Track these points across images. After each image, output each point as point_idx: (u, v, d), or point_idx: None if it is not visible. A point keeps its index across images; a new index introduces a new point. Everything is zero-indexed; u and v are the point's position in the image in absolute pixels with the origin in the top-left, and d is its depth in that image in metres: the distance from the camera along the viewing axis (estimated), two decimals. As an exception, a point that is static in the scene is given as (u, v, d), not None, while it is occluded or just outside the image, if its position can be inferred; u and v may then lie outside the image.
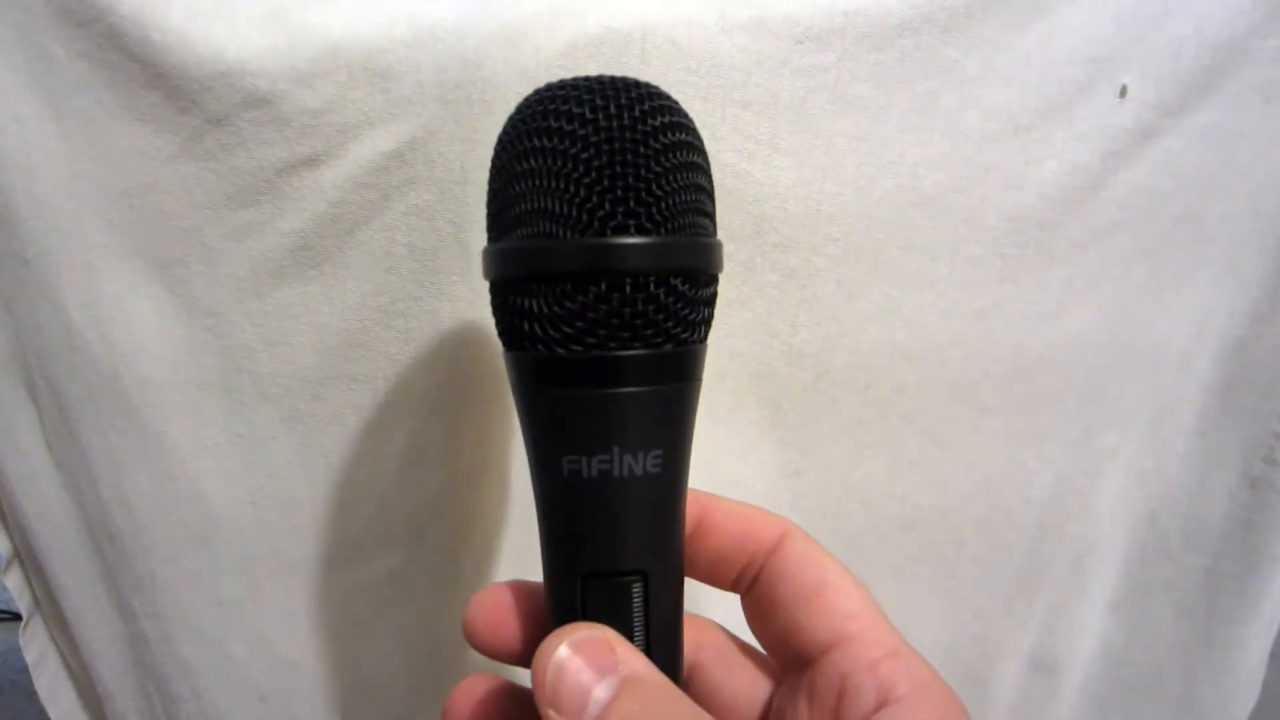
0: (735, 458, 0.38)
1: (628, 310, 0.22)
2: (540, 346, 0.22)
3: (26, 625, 0.42)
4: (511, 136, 0.23)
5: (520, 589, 0.27)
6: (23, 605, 0.42)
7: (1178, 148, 0.36)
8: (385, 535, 0.38)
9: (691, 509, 0.26)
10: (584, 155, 0.21)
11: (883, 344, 0.37)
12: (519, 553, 0.39)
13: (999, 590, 0.42)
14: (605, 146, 0.22)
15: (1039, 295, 0.37)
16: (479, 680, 0.27)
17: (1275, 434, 0.41)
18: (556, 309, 0.22)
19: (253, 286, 0.34)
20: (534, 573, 0.26)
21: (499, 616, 0.26)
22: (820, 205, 0.34)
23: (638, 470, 0.23)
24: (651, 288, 0.22)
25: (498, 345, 0.25)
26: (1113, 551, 0.43)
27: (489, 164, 0.24)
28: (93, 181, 0.33)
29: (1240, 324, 0.40)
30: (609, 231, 0.21)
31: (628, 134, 0.22)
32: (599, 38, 0.31)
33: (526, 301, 0.22)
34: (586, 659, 0.22)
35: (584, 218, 0.21)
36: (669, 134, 0.22)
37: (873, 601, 0.25)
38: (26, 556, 0.41)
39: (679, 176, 0.22)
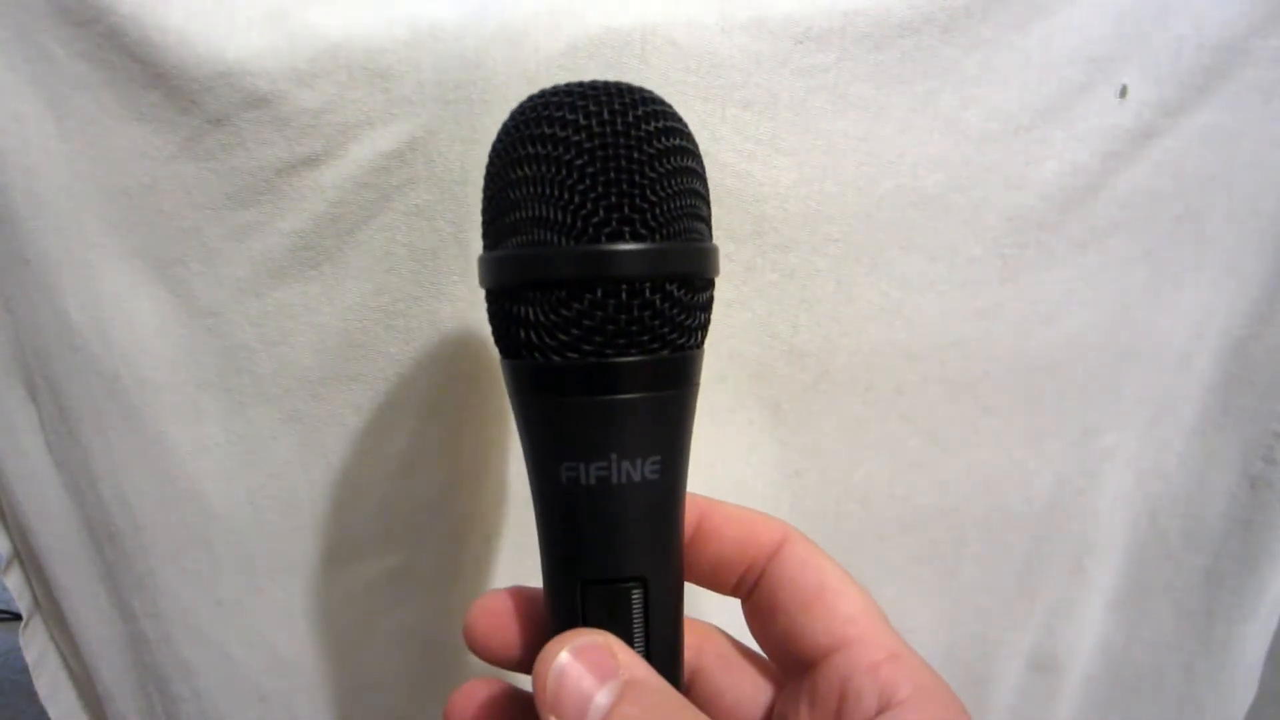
0: (735, 458, 0.38)
1: (624, 317, 0.22)
2: (537, 354, 0.22)
3: (26, 625, 0.42)
4: (505, 143, 0.23)
5: (520, 595, 0.27)
6: (23, 605, 0.42)
7: (1178, 148, 0.36)
8: (385, 535, 0.38)
9: (691, 514, 0.26)
10: (578, 162, 0.21)
11: (883, 344, 0.37)
12: (518, 553, 0.39)
13: (999, 590, 0.42)
14: (599, 153, 0.21)
15: (1039, 295, 0.37)
16: (479, 685, 0.27)
17: (1275, 434, 0.41)
18: (553, 316, 0.22)
19: (253, 286, 0.34)
20: (534, 573, 0.26)
21: (499, 622, 0.26)
22: (820, 205, 0.34)
23: (636, 477, 0.22)
24: (647, 294, 0.22)
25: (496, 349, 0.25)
26: (1113, 551, 0.43)
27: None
28: (93, 181, 0.33)
29: (1240, 324, 0.40)
30: (604, 238, 0.21)
31: (622, 140, 0.22)
32: (599, 38, 0.31)
33: (522, 309, 0.22)
34: (588, 664, 0.22)
35: (579, 224, 0.21)
36: (663, 139, 0.22)
37: (873, 605, 0.25)
38: (26, 556, 0.41)
39: (674, 182, 0.22)
